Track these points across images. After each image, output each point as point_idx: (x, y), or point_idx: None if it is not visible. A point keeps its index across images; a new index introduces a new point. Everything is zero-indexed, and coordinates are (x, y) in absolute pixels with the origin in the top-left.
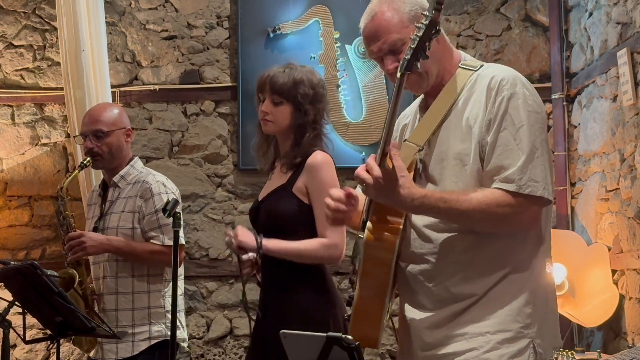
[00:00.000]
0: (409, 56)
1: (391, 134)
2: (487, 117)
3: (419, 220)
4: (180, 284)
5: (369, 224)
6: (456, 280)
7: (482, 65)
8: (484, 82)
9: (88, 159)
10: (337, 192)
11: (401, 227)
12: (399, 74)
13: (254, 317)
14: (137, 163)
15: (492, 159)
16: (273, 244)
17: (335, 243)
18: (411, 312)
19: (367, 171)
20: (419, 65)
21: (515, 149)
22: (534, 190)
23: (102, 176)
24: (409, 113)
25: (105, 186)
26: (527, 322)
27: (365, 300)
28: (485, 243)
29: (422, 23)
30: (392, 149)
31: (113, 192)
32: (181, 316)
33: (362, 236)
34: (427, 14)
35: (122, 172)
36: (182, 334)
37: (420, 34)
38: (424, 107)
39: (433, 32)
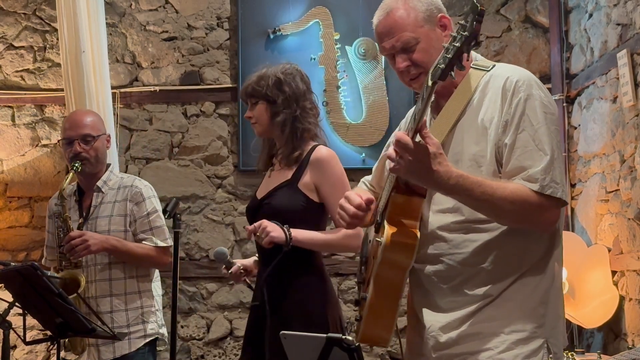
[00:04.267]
0: (443, 65)
1: (424, 117)
2: (503, 118)
3: (433, 221)
4: (157, 285)
5: (387, 227)
6: (471, 281)
7: (494, 66)
8: (497, 83)
9: (79, 162)
10: (357, 199)
11: (418, 230)
12: (430, 82)
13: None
14: (115, 169)
15: (512, 160)
16: (301, 234)
17: (358, 233)
18: (424, 313)
19: (401, 146)
20: (453, 75)
21: (536, 150)
22: (555, 191)
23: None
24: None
25: (80, 192)
26: (541, 322)
27: (379, 302)
28: (500, 244)
29: (460, 33)
30: (425, 126)
31: (96, 197)
32: (160, 314)
33: (379, 239)
34: (466, 24)
35: (104, 178)
36: (164, 330)
37: (458, 44)
38: (435, 108)
39: (473, 44)
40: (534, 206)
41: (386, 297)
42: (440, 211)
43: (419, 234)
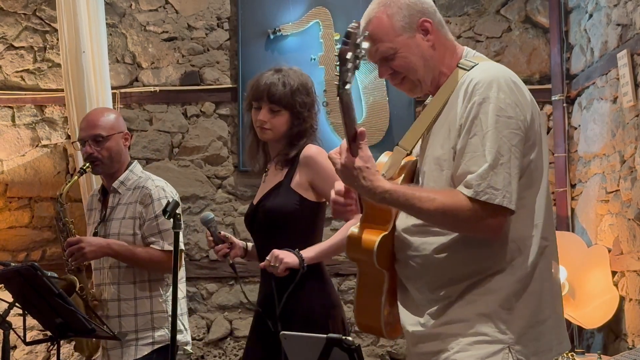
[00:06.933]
0: (337, 82)
1: (352, 127)
2: (459, 121)
3: (399, 224)
4: (182, 287)
5: (353, 228)
6: (432, 283)
7: (475, 65)
8: (465, 85)
9: (87, 164)
10: (338, 185)
11: (387, 230)
12: (338, 97)
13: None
14: (136, 167)
15: (461, 165)
16: (312, 251)
17: None
18: (403, 313)
19: (337, 153)
20: (345, 88)
21: (481, 155)
22: (491, 198)
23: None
24: None
25: (104, 191)
26: (502, 327)
27: (363, 296)
28: (457, 247)
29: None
30: (361, 135)
31: (113, 198)
32: (184, 319)
33: None
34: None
35: (121, 178)
36: (185, 337)
37: (338, 62)
38: (422, 108)
39: (347, 66)
40: (467, 215)
41: (368, 291)
42: (406, 214)
43: (381, 235)
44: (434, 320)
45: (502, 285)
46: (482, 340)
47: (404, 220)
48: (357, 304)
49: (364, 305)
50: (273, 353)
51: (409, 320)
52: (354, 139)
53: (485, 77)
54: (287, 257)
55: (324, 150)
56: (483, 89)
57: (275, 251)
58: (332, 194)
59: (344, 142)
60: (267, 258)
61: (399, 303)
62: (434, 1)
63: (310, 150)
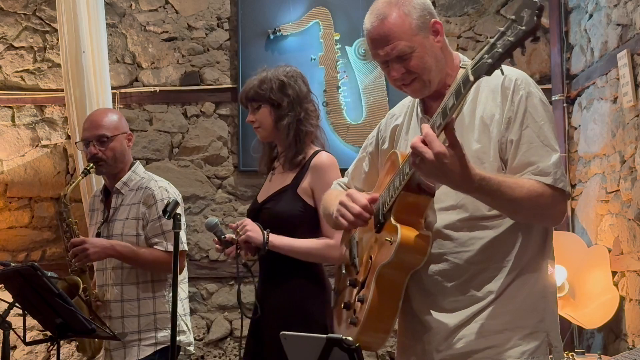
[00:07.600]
0: (491, 60)
1: (453, 114)
2: (506, 115)
3: (438, 221)
4: (185, 287)
5: (399, 226)
6: (476, 279)
7: None
8: (493, 81)
9: (91, 165)
10: (363, 200)
11: (422, 228)
12: (472, 77)
13: (249, 316)
14: (139, 168)
15: (518, 156)
16: (280, 240)
17: (339, 243)
18: (427, 315)
19: (425, 143)
20: (502, 70)
21: (541, 146)
22: (565, 185)
23: (103, 179)
24: (399, 114)
25: (106, 192)
26: (542, 316)
27: (380, 303)
28: (503, 241)
29: (517, 27)
30: (453, 123)
31: (116, 199)
32: (187, 320)
33: (390, 239)
34: (522, 17)
35: (124, 179)
36: (188, 337)
37: (512, 38)
38: (427, 110)
39: (531, 39)
40: (548, 201)
41: (388, 298)
42: (443, 209)
43: (430, 233)
44: (476, 317)
45: (539, 274)
46: (529, 333)
47: (445, 216)
48: (370, 315)
49: (377, 314)
50: (273, 353)
51: (441, 324)
52: (446, 126)
53: (518, 74)
54: (254, 232)
55: (335, 160)
56: (524, 84)
57: (247, 221)
58: (356, 208)
59: (427, 131)
60: (237, 223)
61: (420, 307)
62: (434, 2)
63: (321, 158)
